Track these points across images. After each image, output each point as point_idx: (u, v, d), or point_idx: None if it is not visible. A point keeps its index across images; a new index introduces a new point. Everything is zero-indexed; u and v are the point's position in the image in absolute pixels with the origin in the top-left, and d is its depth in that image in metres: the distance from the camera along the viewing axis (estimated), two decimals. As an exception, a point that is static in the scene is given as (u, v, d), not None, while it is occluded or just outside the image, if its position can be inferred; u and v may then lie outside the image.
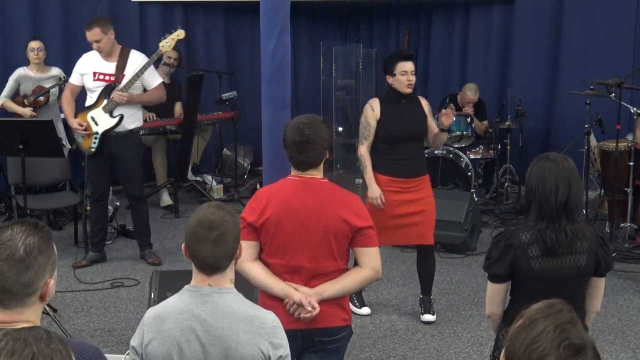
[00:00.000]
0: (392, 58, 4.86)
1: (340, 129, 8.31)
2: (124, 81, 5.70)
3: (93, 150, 5.80)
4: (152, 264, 5.96)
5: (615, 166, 6.29)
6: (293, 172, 3.13)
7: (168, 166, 7.72)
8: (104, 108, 5.74)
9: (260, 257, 3.09)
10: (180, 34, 5.92)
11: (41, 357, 1.47)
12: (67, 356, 1.52)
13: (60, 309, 5.10)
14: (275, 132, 4.02)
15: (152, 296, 3.86)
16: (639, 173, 6.34)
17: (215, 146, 8.49)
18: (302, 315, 3.00)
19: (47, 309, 4.60)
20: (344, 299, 3.15)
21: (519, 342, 1.65)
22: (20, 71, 6.96)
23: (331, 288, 3.05)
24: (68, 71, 6.36)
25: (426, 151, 6.59)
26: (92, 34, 5.66)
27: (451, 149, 7.25)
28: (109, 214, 6.46)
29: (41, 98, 6.86)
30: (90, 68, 5.78)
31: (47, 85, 6.89)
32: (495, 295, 2.97)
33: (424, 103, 4.98)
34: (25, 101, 6.87)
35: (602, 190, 6.81)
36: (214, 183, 8.00)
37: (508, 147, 7.57)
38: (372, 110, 4.86)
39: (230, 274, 2.41)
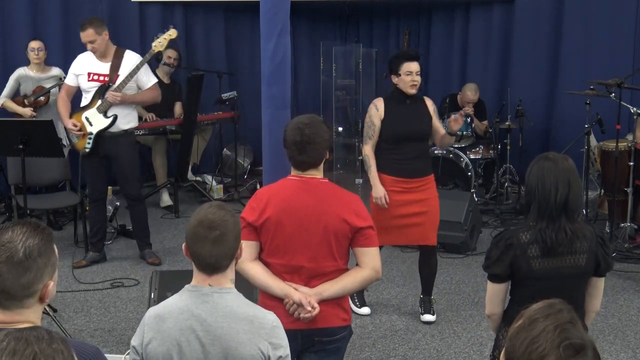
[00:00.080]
0: (398, 58, 4.85)
1: (340, 129, 8.31)
2: (118, 81, 5.70)
3: (87, 150, 5.80)
4: (152, 264, 5.96)
5: (615, 166, 6.28)
6: (293, 172, 3.13)
7: (168, 166, 7.71)
8: (98, 108, 5.74)
9: (260, 257, 3.09)
10: (172, 33, 5.92)
11: (43, 357, 1.47)
12: (69, 356, 1.52)
13: (60, 309, 5.10)
14: (275, 132, 4.02)
15: (152, 296, 3.86)
16: (639, 173, 6.34)
17: (215, 146, 8.49)
18: (302, 315, 3.00)
19: (47, 309, 4.60)
20: (343, 299, 3.15)
21: (519, 342, 1.65)
22: (20, 71, 6.96)
23: (331, 288, 3.05)
24: (68, 71, 6.35)
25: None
26: (86, 35, 5.66)
27: (451, 149, 7.25)
28: (109, 214, 6.46)
29: (41, 98, 6.87)
30: (85, 69, 5.77)
31: (48, 85, 6.89)
32: (495, 295, 2.97)
33: (429, 103, 4.97)
34: (26, 101, 6.87)
35: (602, 190, 6.80)
36: (214, 183, 8.00)
37: (508, 147, 7.57)
38: (377, 110, 4.86)
39: (230, 273, 2.41)
